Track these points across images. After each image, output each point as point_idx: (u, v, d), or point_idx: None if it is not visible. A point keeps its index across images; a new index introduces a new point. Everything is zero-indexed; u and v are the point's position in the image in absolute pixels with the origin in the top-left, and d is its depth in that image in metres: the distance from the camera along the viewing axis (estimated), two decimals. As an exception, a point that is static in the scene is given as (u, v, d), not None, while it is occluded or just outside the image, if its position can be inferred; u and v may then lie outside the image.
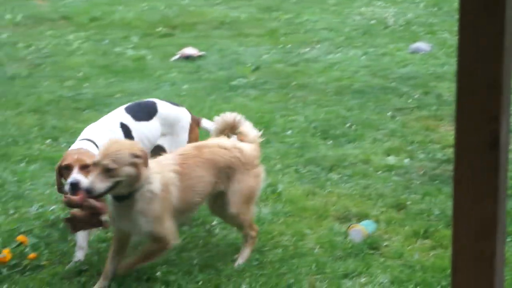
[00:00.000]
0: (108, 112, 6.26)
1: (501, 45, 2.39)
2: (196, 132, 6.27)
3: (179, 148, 5.69)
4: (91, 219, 5.20)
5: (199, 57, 11.65)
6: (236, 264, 5.48)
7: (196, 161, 5.34)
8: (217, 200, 5.53)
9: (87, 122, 6.57)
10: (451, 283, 2.53)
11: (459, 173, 2.52)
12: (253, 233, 5.60)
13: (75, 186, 5.29)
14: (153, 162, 5.23)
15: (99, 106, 9.40)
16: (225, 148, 5.46)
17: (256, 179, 5.57)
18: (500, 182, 2.48)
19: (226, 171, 5.43)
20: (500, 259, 2.52)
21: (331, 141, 7.84)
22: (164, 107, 6.17)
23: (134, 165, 4.99)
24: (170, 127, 6.11)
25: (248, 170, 5.50)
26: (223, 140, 5.55)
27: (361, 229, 5.81)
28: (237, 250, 5.70)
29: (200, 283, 5.28)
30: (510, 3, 2.39)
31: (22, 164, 7.53)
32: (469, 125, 2.47)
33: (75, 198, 5.18)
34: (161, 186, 5.14)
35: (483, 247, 2.49)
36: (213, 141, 5.59)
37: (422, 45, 11.16)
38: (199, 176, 5.33)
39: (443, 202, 6.26)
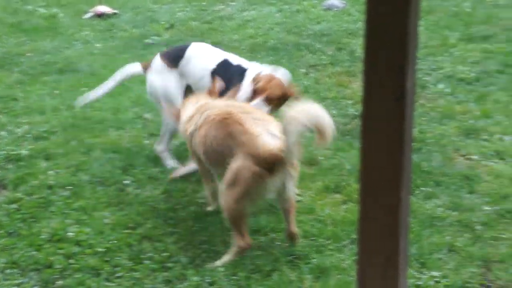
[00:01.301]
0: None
1: (408, 1, 2.40)
2: None
3: None
4: None
5: (113, 15, 11.47)
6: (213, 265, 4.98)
7: None
8: None
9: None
10: (358, 233, 2.56)
11: (366, 125, 2.54)
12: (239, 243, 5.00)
13: None
14: None
15: (9, 66, 9.19)
16: None
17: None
18: (406, 134, 2.50)
19: None
20: (405, 209, 2.55)
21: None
22: None
23: None
24: None
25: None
26: None
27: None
28: (151, 208, 5.67)
29: (111, 242, 5.24)
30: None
31: None
32: (376, 78, 2.49)
33: None
34: None
35: (389, 196, 2.52)
36: None
37: (336, 1, 11.20)
38: None
39: (354, 157, 6.32)
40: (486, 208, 5.62)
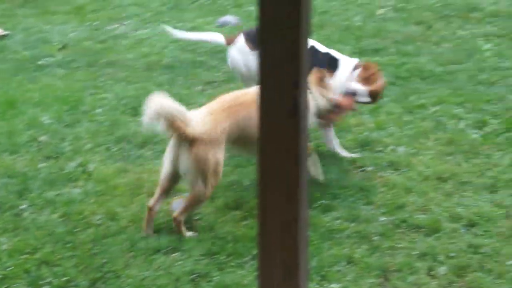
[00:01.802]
0: None
1: (299, 16, 2.44)
2: None
3: None
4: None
5: (3, 36, 11.25)
6: None
7: None
8: None
9: None
10: (258, 248, 2.58)
11: (262, 141, 2.56)
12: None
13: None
14: None
15: None
16: None
17: None
18: (301, 148, 2.54)
19: None
20: (303, 223, 2.58)
21: (141, 118, 7.76)
22: None
23: None
24: None
25: None
26: None
27: (183, 200, 5.77)
28: (49, 232, 5.57)
29: (8, 269, 5.13)
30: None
31: None
32: (270, 94, 2.52)
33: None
34: None
35: (287, 211, 2.55)
36: None
37: (230, 18, 11.26)
38: None
39: (253, 173, 6.36)
40: (383, 218, 5.74)
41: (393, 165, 6.62)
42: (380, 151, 6.90)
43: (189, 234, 5.57)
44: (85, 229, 5.65)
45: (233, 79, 8.83)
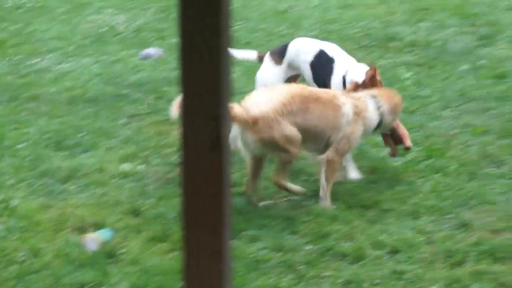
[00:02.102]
0: None
1: (219, 49, 2.47)
2: None
3: None
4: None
5: None
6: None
7: None
8: None
9: None
10: (183, 281, 2.58)
11: (185, 174, 2.58)
12: None
13: None
14: None
15: None
16: None
17: None
18: (224, 180, 2.56)
19: None
20: (227, 254, 2.60)
21: (65, 152, 7.71)
22: None
23: None
24: None
25: None
26: None
27: (96, 237, 5.76)
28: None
29: None
30: (226, 9, 2.48)
31: None
32: (192, 127, 2.54)
33: None
34: None
35: (211, 242, 2.56)
36: None
37: (152, 51, 11.25)
38: None
39: (178, 205, 6.35)
40: (308, 247, 5.80)
41: (318, 194, 6.68)
42: (305, 180, 6.97)
43: (298, 188, 6.49)
44: (8, 266, 5.57)
45: (158, 111, 8.82)
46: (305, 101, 6.36)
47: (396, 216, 6.29)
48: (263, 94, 6.46)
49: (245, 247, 5.75)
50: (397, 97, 6.96)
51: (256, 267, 5.49)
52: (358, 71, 6.87)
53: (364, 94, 6.65)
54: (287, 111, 6.25)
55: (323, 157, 6.46)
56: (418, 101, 8.66)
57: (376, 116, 6.68)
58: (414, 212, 6.33)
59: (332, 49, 7.16)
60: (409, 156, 7.31)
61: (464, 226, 6.12)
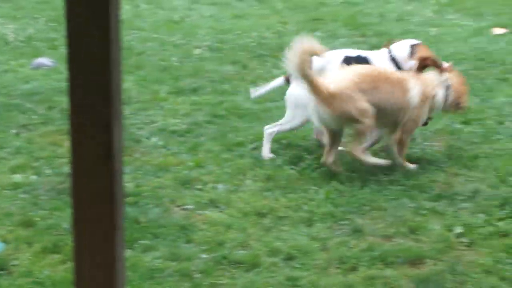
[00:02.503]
0: None
1: (108, 57, 2.45)
2: None
3: None
4: None
5: None
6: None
7: None
8: None
9: None
10: (75, 293, 2.55)
11: (75, 184, 2.55)
12: None
13: None
14: None
15: None
16: None
17: None
18: (116, 190, 2.54)
19: None
20: (121, 265, 2.58)
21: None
22: None
23: None
24: None
25: None
26: None
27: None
28: None
29: None
30: (115, 18, 2.46)
31: None
32: (82, 136, 2.51)
33: None
34: None
35: (103, 254, 2.54)
36: None
37: (45, 60, 11.06)
38: None
39: (71, 216, 6.26)
40: (204, 256, 5.80)
41: (213, 203, 6.70)
42: (199, 189, 6.97)
43: (373, 160, 7.18)
44: None
45: (50, 121, 8.68)
46: (375, 80, 7.04)
47: (291, 223, 6.36)
48: (338, 73, 7.17)
49: (140, 257, 5.72)
50: (464, 87, 7.51)
51: (151, 277, 5.46)
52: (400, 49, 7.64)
53: (434, 79, 7.32)
54: (359, 88, 6.93)
55: (394, 137, 7.22)
56: (311, 110, 8.77)
57: (441, 101, 7.33)
58: (308, 219, 6.40)
59: (352, 51, 7.88)
60: (304, 163, 7.40)
61: (357, 232, 6.23)
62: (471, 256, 5.85)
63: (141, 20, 12.44)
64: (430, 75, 7.33)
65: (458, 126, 8.11)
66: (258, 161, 7.51)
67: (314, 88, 6.84)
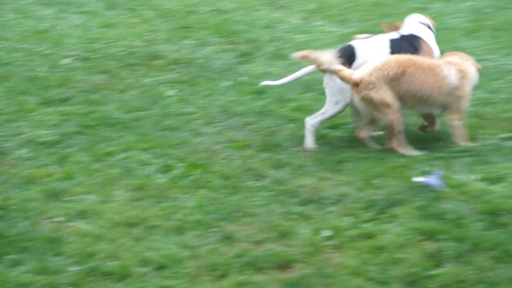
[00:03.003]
0: None
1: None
2: None
3: None
4: None
5: None
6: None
7: None
8: None
9: None
10: None
11: None
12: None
13: None
14: None
15: None
16: None
17: None
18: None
19: None
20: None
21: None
22: None
23: None
24: None
25: None
26: None
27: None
28: None
29: None
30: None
31: None
32: None
33: None
34: None
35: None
36: None
37: None
38: None
39: None
40: (74, 268, 5.73)
41: (83, 214, 6.63)
42: (69, 200, 6.89)
43: (412, 151, 7.70)
44: None
45: None
46: (402, 65, 7.63)
47: (162, 232, 6.36)
48: (366, 64, 7.75)
49: (7, 271, 5.61)
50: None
51: (19, 292, 5.36)
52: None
53: (461, 58, 7.99)
54: (382, 74, 7.57)
55: (451, 123, 7.86)
56: (182, 118, 8.81)
57: (476, 73, 7.99)
58: (179, 228, 6.41)
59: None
60: (174, 172, 7.42)
61: (228, 238, 6.29)
62: (338, 258, 5.99)
63: (7, 30, 12.19)
64: (455, 57, 8.00)
65: (326, 131, 8.29)
66: (129, 170, 7.48)
67: (341, 77, 7.65)
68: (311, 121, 8.06)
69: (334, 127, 8.40)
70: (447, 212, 6.50)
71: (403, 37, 8.18)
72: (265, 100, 9.13)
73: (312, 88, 9.37)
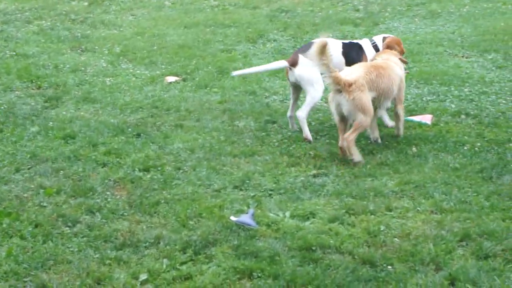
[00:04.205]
0: None
1: None
2: None
3: None
4: None
5: None
6: None
7: None
8: None
9: None
10: None
11: None
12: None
13: None
14: None
15: None
16: None
17: None
18: None
19: None
20: None
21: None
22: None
23: None
24: None
25: None
26: None
27: None
28: None
29: None
30: None
31: None
32: None
33: None
34: None
35: None
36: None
37: None
38: None
39: None
40: None
41: None
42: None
43: (357, 154, 8.53)
44: None
45: None
46: (377, 69, 8.73)
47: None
48: (350, 69, 8.72)
49: None
50: None
51: None
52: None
53: (393, 55, 9.21)
54: (369, 79, 8.57)
55: (399, 112, 9.14)
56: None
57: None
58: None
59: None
60: None
61: (43, 287, 6.12)
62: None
63: None
64: (388, 54, 9.27)
65: (138, 173, 8.25)
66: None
67: (333, 78, 8.38)
68: (302, 113, 9.14)
69: (146, 169, 8.37)
70: (262, 250, 6.63)
71: None
72: (76, 145, 8.98)
73: (123, 132, 9.32)
